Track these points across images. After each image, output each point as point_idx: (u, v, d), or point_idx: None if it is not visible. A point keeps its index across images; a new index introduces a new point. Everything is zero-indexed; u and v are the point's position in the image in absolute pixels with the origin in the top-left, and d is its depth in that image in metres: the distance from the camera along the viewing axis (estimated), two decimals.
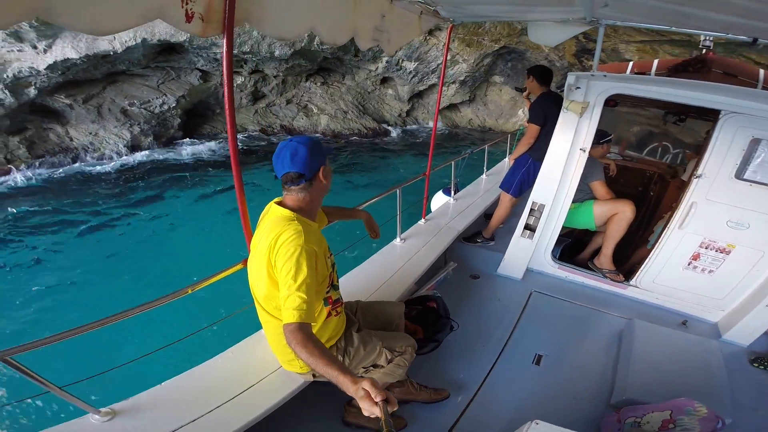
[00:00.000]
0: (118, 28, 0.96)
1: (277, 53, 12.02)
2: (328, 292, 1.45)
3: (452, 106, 17.89)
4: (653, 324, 2.59)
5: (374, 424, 1.62)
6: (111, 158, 11.26)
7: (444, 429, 1.87)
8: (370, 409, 0.97)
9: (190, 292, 1.52)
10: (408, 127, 18.03)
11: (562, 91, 2.70)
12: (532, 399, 2.06)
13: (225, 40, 1.21)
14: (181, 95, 12.33)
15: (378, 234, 1.90)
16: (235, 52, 11.40)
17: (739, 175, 2.46)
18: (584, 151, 2.69)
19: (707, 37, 2.52)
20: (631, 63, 2.94)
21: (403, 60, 14.22)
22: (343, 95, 16.24)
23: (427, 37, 13.09)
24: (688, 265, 2.73)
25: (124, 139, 11.55)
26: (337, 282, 1.54)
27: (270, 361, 1.61)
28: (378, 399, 0.96)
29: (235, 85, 13.40)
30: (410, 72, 14.85)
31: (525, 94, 3.70)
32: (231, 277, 1.67)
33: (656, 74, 2.83)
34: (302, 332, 1.14)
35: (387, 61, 14.32)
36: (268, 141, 14.65)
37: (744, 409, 2.03)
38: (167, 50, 11.03)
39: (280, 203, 1.40)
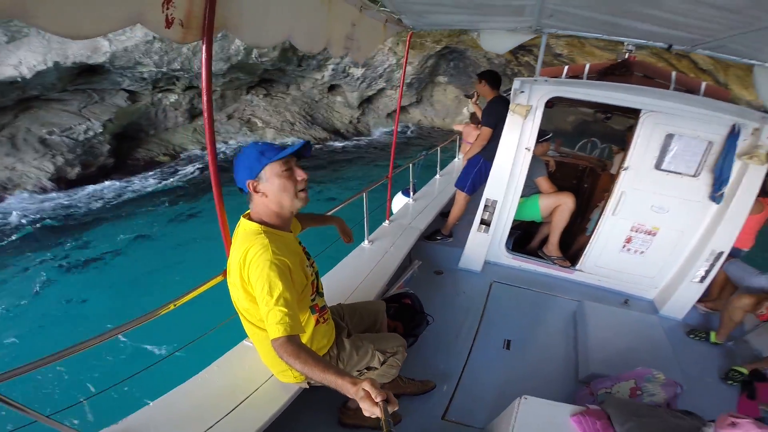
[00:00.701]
0: (97, 32, 0.95)
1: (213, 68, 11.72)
2: (314, 300, 1.47)
3: (401, 109, 18.48)
4: (600, 304, 2.91)
5: (372, 423, 1.63)
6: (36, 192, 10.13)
7: (437, 417, 2.03)
8: (371, 410, 0.99)
9: (173, 307, 1.50)
10: (361, 134, 18.31)
11: (508, 94, 3.04)
12: (509, 380, 2.28)
13: (204, 46, 1.25)
14: (108, 119, 11.49)
15: (351, 238, 1.98)
16: (164, 69, 10.91)
17: (658, 165, 2.85)
18: (529, 150, 3.00)
19: (628, 43, 2.94)
20: (566, 67, 3.34)
21: (349, 66, 14.51)
22: (288, 106, 16.11)
23: None
24: (623, 247, 3.11)
25: (47, 171, 10.52)
26: (322, 289, 1.58)
27: (260, 371, 1.63)
28: (378, 399, 0.98)
29: (168, 103, 12.90)
30: (358, 78, 15.18)
31: (474, 99, 4.02)
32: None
33: (588, 77, 3.27)
34: (291, 344, 1.16)
35: (333, 69, 14.51)
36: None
37: (692, 378, 2.27)
38: (87, 71, 10.30)
39: (248, 215, 1.41)
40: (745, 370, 2.48)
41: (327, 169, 13.36)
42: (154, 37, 9.88)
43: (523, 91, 2.86)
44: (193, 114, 14.26)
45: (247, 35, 1.37)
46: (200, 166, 13.40)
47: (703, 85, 2.91)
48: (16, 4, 0.75)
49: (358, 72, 14.84)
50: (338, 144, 16.58)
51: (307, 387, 1.58)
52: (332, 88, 16.42)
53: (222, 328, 1.71)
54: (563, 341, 2.69)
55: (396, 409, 1.00)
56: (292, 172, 1.33)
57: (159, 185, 11.80)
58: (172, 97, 12.95)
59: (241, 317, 1.46)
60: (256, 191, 1.32)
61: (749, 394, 2.36)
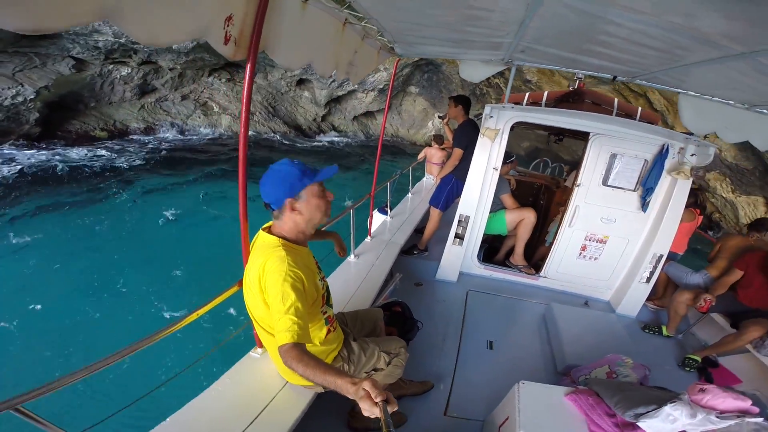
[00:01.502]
0: (172, 41, 1.13)
1: (175, 45, 11.26)
2: (325, 312, 1.60)
3: (368, 113, 18.88)
4: (565, 305, 3.35)
5: (378, 425, 1.76)
6: None
7: (439, 414, 2.26)
8: (371, 410, 1.04)
9: (195, 317, 1.58)
10: (323, 133, 18.34)
11: (477, 118, 3.43)
12: (497, 376, 2.58)
13: (249, 64, 1.42)
14: (44, 86, 10.70)
15: (346, 251, 2.15)
16: (122, 41, 10.49)
17: (605, 182, 3.42)
18: (496, 169, 3.45)
19: (578, 74, 3.51)
20: (527, 94, 3.87)
21: None
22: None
23: None
24: (579, 255, 3.65)
25: None
26: (332, 301, 1.72)
27: (273, 381, 1.73)
28: (378, 399, 1.03)
29: (119, 76, 12.23)
30: (330, 76, 15.17)
31: (445, 120, 4.33)
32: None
33: (546, 104, 3.66)
34: (296, 349, 1.26)
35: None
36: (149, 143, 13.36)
37: (653, 365, 2.59)
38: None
39: (268, 230, 1.52)
40: (698, 358, 2.97)
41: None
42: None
43: (492, 116, 3.32)
44: (144, 91, 13.59)
45: (280, 57, 1.58)
46: (150, 147, 12.76)
47: (639, 110, 3.55)
48: (107, 9, 0.90)
49: None
50: (293, 143, 16.50)
51: (322, 391, 1.68)
52: (301, 82, 16.37)
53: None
54: (538, 339, 3.11)
55: (396, 409, 1.04)
56: (324, 192, 1.49)
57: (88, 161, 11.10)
58: (124, 70, 12.32)
59: (255, 325, 1.58)
60: (292, 209, 1.44)
61: (706, 378, 2.87)
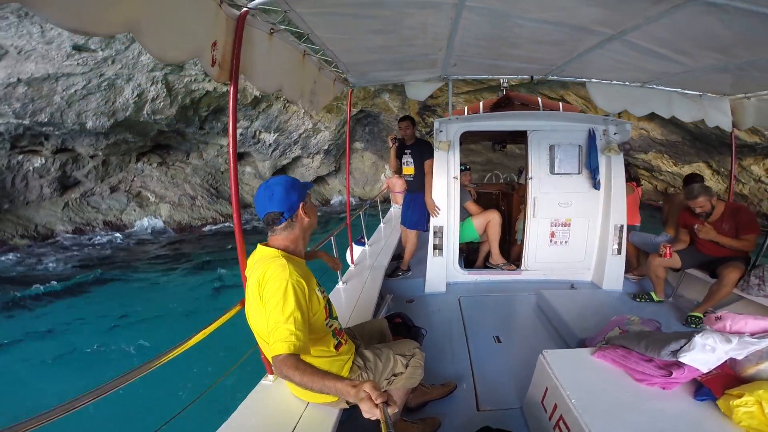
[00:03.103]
0: (176, 58, 1.48)
1: (90, 125, 10.92)
2: (330, 325, 1.70)
3: (320, 179, 19.59)
4: (555, 290, 3.80)
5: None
6: None
7: (472, 409, 2.41)
8: (371, 411, 1.10)
9: (200, 338, 1.67)
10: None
11: (429, 135, 4.11)
12: (514, 364, 2.81)
13: (231, 87, 1.78)
14: None
15: (339, 263, 2.41)
16: (26, 122, 10.25)
17: (552, 171, 4.14)
18: (456, 178, 4.11)
19: (504, 80, 4.40)
20: (466, 107, 4.75)
21: (260, 131, 15.17)
22: (188, 177, 16.02)
23: (287, 105, 14.60)
24: (550, 241, 4.27)
25: None
26: (336, 313, 1.83)
27: (294, 403, 1.79)
28: (378, 401, 1.09)
29: (32, 168, 12.03)
30: (270, 144, 15.89)
31: (394, 144, 4.80)
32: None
33: (483, 112, 4.48)
34: (291, 358, 1.33)
35: (241, 134, 15.01)
36: (90, 245, 12.71)
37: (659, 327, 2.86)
38: None
39: (266, 244, 1.66)
40: (699, 314, 3.36)
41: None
42: (19, 79, 9.12)
43: (441, 130, 4.03)
44: (65, 185, 13.29)
45: (256, 81, 2.00)
46: (77, 254, 12.11)
47: (561, 105, 4.52)
48: (132, 22, 1.21)
49: (270, 138, 15.56)
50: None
51: (347, 407, 1.74)
52: (240, 157, 16.88)
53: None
54: (540, 325, 3.47)
55: (396, 410, 1.14)
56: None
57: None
58: (37, 161, 11.97)
59: (261, 343, 1.66)
60: (305, 213, 1.65)
61: None
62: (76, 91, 9.97)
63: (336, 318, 1.81)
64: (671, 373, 1.72)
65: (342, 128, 16.76)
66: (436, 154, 3.99)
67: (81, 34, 1.14)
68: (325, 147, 17.14)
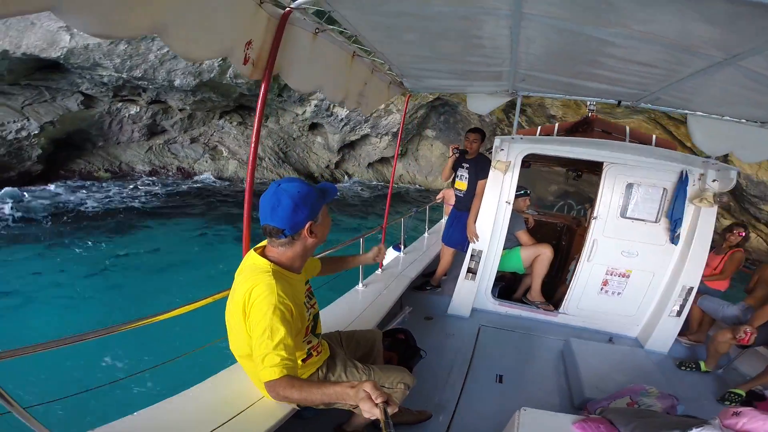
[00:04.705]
0: (202, 57, 1.51)
1: (177, 82, 12.16)
2: (310, 342, 1.67)
3: (384, 160, 19.77)
4: (586, 341, 3.46)
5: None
6: None
7: None
8: (371, 411, 1.11)
9: (180, 311, 1.75)
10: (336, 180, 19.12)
11: (489, 152, 3.75)
12: (504, 411, 2.54)
13: (264, 84, 1.79)
14: (49, 121, 11.79)
15: (383, 253, 2.28)
16: (123, 75, 11.55)
17: (623, 214, 3.66)
18: (509, 203, 3.75)
19: (590, 102, 3.86)
20: (539, 128, 4.22)
21: (334, 105, 15.53)
22: (262, 139, 16.95)
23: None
24: (601, 290, 3.84)
25: None
26: (320, 330, 1.80)
27: (253, 390, 1.80)
28: (379, 401, 1.11)
29: (127, 114, 13.44)
30: (342, 119, 16.29)
31: (452, 154, 4.59)
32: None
33: (557, 135, 3.94)
34: (285, 379, 1.34)
35: (316, 105, 15.56)
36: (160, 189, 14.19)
37: (690, 400, 2.71)
38: (47, 67, 10.77)
39: (261, 251, 1.56)
40: (741, 392, 2.99)
41: None
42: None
43: (502, 149, 3.66)
44: (153, 131, 14.74)
45: (292, 80, 1.97)
46: (151, 190, 13.50)
47: (654, 137, 3.84)
48: (158, 24, 1.25)
49: (342, 112, 15.89)
50: None
51: (298, 408, 1.73)
52: (313, 127, 17.49)
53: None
54: (554, 374, 3.20)
55: (396, 411, 1.14)
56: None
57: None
58: (133, 109, 13.52)
59: (231, 344, 1.64)
60: (311, 233, 1.49)
61: None
62: (168, 51, 10.95)
63: (318, 334, 1.77)
64: None
65: (415, 113, 16.62)
66: (491, 174, 3.68)
67: (104, 38, 1.22)
68: (394, 129, 17.18)
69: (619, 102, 3.05)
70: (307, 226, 1.46)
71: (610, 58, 2.09)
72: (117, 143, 14.18)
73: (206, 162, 16.38)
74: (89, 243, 9.29)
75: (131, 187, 13.55)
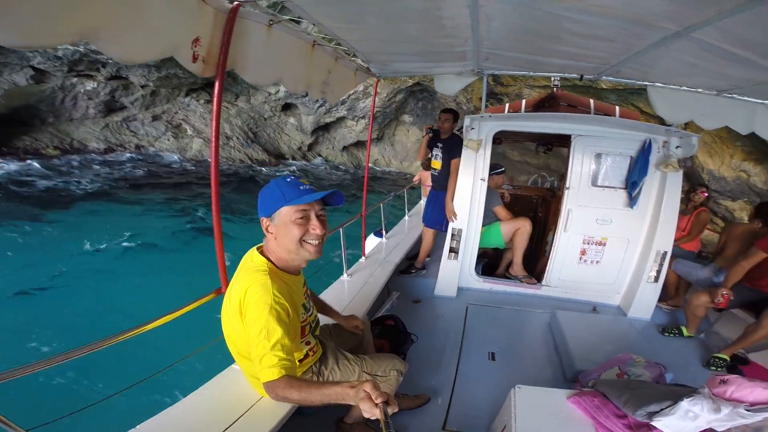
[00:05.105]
0: (144, 59, 1.41)
1: (147, 59, 11.71)
2: (309, 343, 1.69)
3: (360, 144, 19.47)
4: (572, 312, 3.55)
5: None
6: None
7: (437, 428, 2.35)
8: (371, 411, 1.12)
9: (167, 320, 1.72)
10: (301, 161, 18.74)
11: (460, 132, 3.80)
12: (499, 387, 2.63)
13: (217, 82, 1.72)
14: None
15: (360, 324, 2.18)
16: (81, 49, 10.95)
17: (594, 182, 3.74)
18: (483, 180, 3.80)
19: (554, 78, 3.88)
20: (507, 105, 4.28)
21: None
22: (230, 118, 16.36)
23: None
24: (580, 259, 3.92)
25: None
26: (318, 331, 1.82)
27: (252, 392, 1.81)
28: (379, 401, 1.12)
29: (83, 90, 12.62)
30: (317, 101, 15.82)
31: (426, 134, 4.61)
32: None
33: (525, 112, 3.99)
34: (284, 379, 1.33)
35: None
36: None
37: (677, 366, 2.75)
38: None
39: (261, 248, 1.59)
40: (726, 356, 3.06)
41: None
42: None
43: (473, 128, 3.70)
44: (111, 108, 13.97)
45: (248, 75, 1.89)
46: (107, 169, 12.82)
47: (617, 109, 3.92)
48: (86, 30, 1.14)
49: None
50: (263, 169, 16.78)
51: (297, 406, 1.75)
52: (287, 107, 16.97)
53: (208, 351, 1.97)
54: (544, 348, 3.26)
55: (396, 410, 1.14)
56: (307, 221, 1.47)
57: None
58: (90, 85, 12.73)
59: (229, 343, 1.64)
60: (267, 231, 1.50)
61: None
62: None
63: (316, 335, 1.79)
64: None
65: (394, 97, 16.34)
66: (464, 153, 3.71)
67: (26, 49, 1.06)
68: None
69: (581, 76, 3.08)
70: (262, 220, 1.50)
71: (570, 33, 2.11)
72: (69, 120, 13.36)
73: (168, 140, 15.73)
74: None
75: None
